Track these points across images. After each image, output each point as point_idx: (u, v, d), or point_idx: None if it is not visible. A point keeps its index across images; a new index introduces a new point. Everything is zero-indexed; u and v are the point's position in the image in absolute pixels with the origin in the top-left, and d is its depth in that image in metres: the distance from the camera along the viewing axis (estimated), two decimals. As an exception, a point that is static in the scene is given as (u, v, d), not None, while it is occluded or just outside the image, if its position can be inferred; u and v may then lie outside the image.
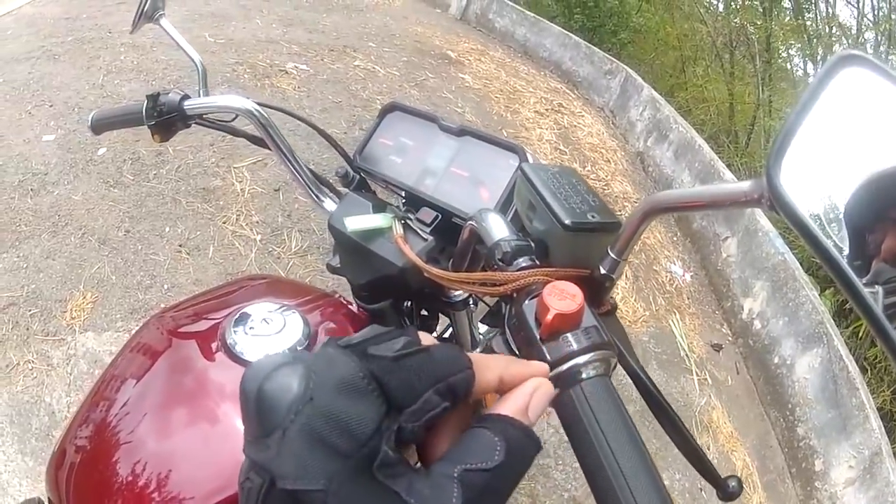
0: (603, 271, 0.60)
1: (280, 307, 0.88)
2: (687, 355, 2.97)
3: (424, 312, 1.06)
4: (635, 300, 3.23)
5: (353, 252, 0.91)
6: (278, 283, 1.13)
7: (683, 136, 4.54)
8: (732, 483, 0.63)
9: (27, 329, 2.53)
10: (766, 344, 2.95)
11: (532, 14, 7.97)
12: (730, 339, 3.22)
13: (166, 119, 1.10)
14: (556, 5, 10.46)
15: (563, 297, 0.53)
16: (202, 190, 3.39)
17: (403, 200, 0.98)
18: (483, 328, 1.05)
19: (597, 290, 0.61)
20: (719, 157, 4.33)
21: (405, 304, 1.00)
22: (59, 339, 2.50)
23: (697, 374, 2.86)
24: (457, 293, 0.93)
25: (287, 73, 4.49)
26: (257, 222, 3.26)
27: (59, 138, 3.85)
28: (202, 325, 0.91)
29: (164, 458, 0.76)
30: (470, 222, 0.71)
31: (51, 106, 4.33)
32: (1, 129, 4.07)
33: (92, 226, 3.07)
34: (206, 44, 4.94)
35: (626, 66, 6.23)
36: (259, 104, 1.03)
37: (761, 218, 3.38)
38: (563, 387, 0.52)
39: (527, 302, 0.56)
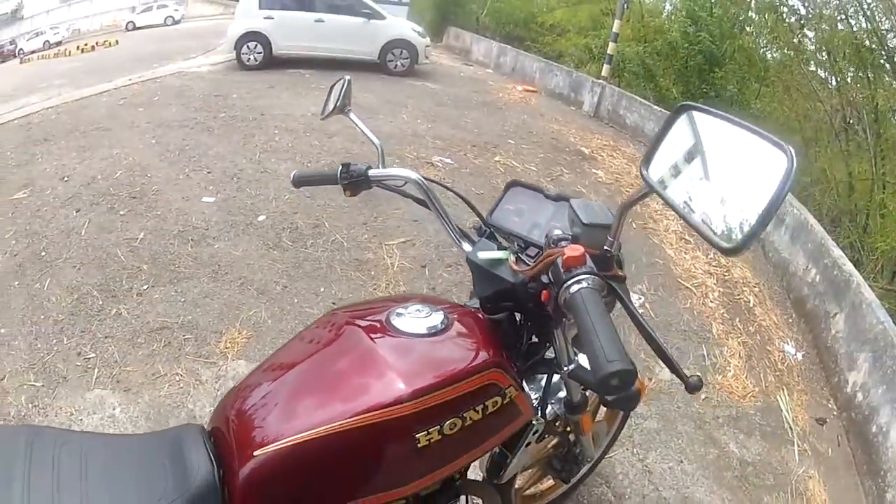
0: (605, 248, 1.10)
1: (428, 306, 1.24)
2: (790, 427, 2.97)
3: (535, 339, 1.36)
4: (746, 377, 3.28)
5: (481, 275, 1.28)
6: (429, 297, 1.46)
7: (798, 218, 4.55)
8: (695, 379, 1.03)
9: (179, 349, 2.93)
10: (867, 415, 2.89)
11: (658, 108, 8.25)
12: (834, 413, 3.16)
13: (355, 181, 1.49)
14: (681, 98, 10.73)
15: (573, 251, 1.02)
16: (355, 260, 3.79)
17: (519, 245, 1.35)
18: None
19: (605, 260, 1.09)
20: (841, 237, 4.32)
21: (517, 316, 1.33)
22: (210, 361, 2.87)
23: (798, 446, 2.88)
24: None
25: (433, 165, 4.97)
26: (405, 291, 3.58)
27: (219, 201, 4.47)
28: (370, 314, 1.26)
29: (326, 380, 1.15)
30: None
31: (209, 172, 5.03)
32: (159, 185, 4.82)
33: (251, 277, 3.54)
34: (357, 135, 5.60)
35: (745, 154, 6.24)
36: (423, 176, 1.42)
37: (866, 290, 3.39)
38: (570, 292, 0.98)
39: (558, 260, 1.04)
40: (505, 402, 1.22)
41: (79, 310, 3.30)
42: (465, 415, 1.14)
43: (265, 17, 9.67)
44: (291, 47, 9.83)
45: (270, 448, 1.06)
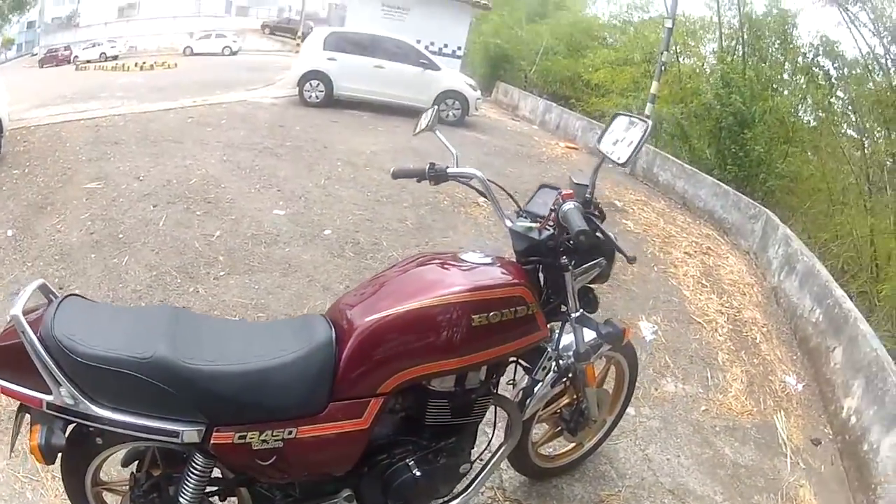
0: (586, 196, 1.86)
1: (483, 253, 1.83)
2: (784, 443, 3.25)
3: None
4: (746, 399, 3.60)
5: (517, 238, 1.87)
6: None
7: (807, 264, 4.92)
8: (633, 255, 1.83)
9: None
10: (859, 434, 3.14)
11: (690, 167, 8.67)
12: (830, 436, 3.43)
13: (437, 175, 2.02)
14: (713, 158, 11.18)
15: (567, 192, 1.78)
16: None
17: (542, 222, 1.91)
18: None
19: (587, 202, 1.85)
20: (854, 286, 4.55)
21: (540, 277, 1.88)
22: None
23: (791, 459, 3.14)
24: (563, 260, 1.80)
25: (479, 205, 5.50)
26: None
27: (289, 215, 5.07)
28: (442, 254, 1.88)
29: (406, 284, 1.75)
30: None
31: (278, 190, 5.65)
32: (232, 195, 5.46)
33: (317, 277, 4.10)
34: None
35: (766, 210, 6.65)
36: (486, 177, 1.98)
37: (862, 324, 3.68)
38: (564, 209, 1.70)
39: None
40: (529, 313, 1.75)
41: (157, 284, 3.87)
42: (503, 311, 1.68)
43: (328, 59, 10.29)
44: (352, 89, 10.39)
45: (370, 319, 1.62)
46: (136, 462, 1.91)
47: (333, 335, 1.65)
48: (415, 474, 1.77)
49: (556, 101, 14.87)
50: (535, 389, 2.04)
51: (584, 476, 2.53)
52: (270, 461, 1.64)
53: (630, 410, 2.79)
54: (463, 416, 1.81)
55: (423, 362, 1.64)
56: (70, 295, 1.76)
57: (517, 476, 2.49)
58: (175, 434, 1.58)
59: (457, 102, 10.70)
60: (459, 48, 17.33)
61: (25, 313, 1.53)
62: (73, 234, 4.80)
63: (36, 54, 22.78)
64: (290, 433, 1.61)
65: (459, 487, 2.02)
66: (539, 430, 2.38)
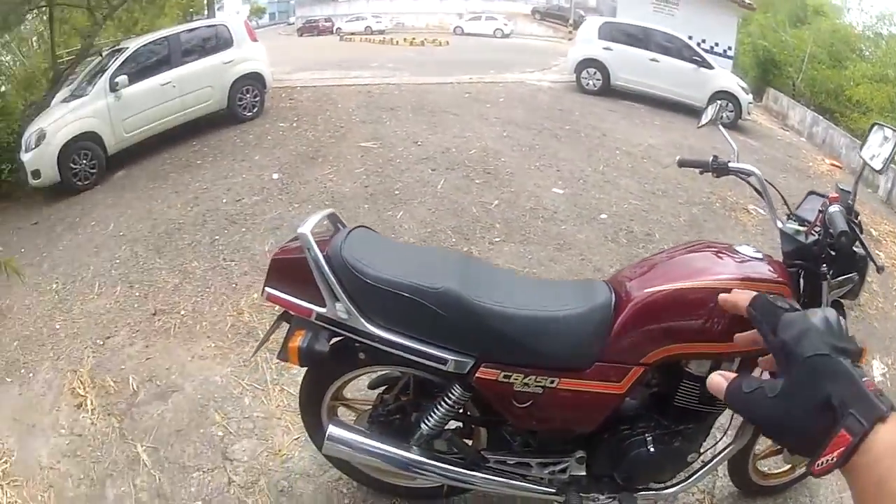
0: (849, 202, 1.80)
1: (754, 250, 1.79)
2: None
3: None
4: None
5: (785, 239, 1.87)
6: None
7: None
8: (882, 265, 1.85)
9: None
10: None
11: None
12: None
13: (719, 167, 2.05)
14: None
15: (833, 196, 1.74)
16: None
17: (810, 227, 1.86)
18: None
19: (849, 207, 1.79)
20: None
21: (799, 272, 1.83)
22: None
23: None
24: (823, 268, 1.76)
25: (748, 212, 5.39)
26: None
27: (567, 195, 5.34)
28: (719, 244, 1.87)
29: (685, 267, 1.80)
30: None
31: (557, 171, 5.93)
32: (512, 170, 5.81)
33: (590, 257, 4.34)
34: (682, 174, 6.13)
35: None
36: (763, 177, 1.97)
37: None
38: (829, 212, 1.66)
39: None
40: None
41: (431, 239, 4.24)
42: None
43: (604, 48, 10.44)
44: (628, 80, 10.43)
45: (648, 291, 1.71)
46: (384, 387, 2.12)
47: (613, 300, 1.75)
48: (649, 450, 1.83)
49: (823, 115, 13.70)
50: None
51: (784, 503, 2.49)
52: (525, 405, 1.76)
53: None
54: (707, 404, 1.83)
55: (688, 341, 1.68)
56: (360, 226, 1.95)
57: (728, 486, 2.52)
58: (443, 361, 1.72)
59: (730, 104, 10.28)
60: (730, 48, 16.34)
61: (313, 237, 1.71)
62: (346, 185, 5.48)
63: (292, 23, 24.23)
64: (551, 382, 1.72)
65: (679, 477, 2.05)
66: (761, 445, 2.36)
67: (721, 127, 2.23)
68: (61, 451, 2.79)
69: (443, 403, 1.87)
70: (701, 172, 2.12)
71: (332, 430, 1.95)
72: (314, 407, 2.12)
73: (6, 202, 7.18)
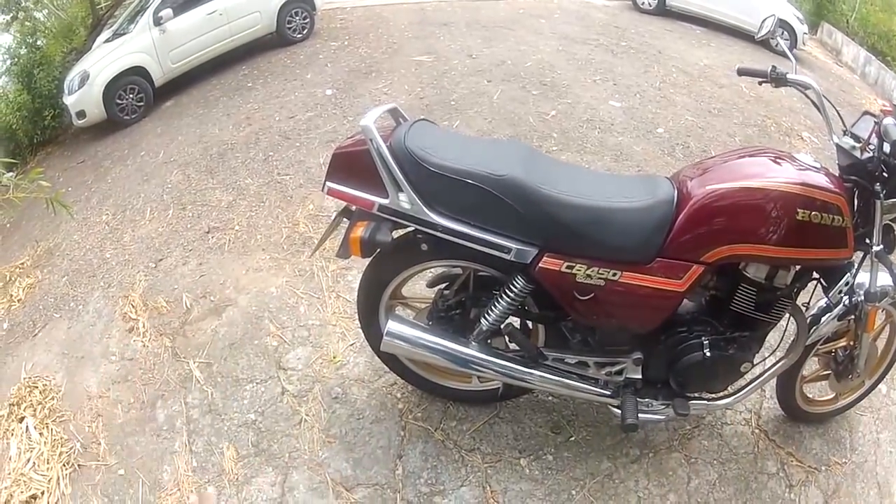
0: None
1: (814, 159, 1.80)
2: None
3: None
4: None
5: (841, 153, 1.84)
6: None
7: None
8: None
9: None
10: None
11: None
12: None
13: (778, 78, 1.94)
14: None
15: (887, 109, 1.75)
16: None
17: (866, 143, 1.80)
18: None
19: None
20: None
21: (853, 189, 1.80)
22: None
23: None
24: (877, 186, 1.73)
25: (802, 139, 5.39)
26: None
27: (624, 108, 5.35)
28: (781, 150, 1.88)
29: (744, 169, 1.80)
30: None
31: (614, 84, 5.92)
32: (568, 82, 5.81)
33: (646, 169, 4.35)
34: (740, 92, 6.24)
35: None
36: (822, 90, 1.87)
37: None
38: (885, 125, 1.64)
39: None
40: (843, 225, 1.70)
41: None
42: (823, 214, 1.66)
43: None
44: (684, 1, 10.10)
45: (710, 188, 1.71)
46: (443, 285, 2.11)
47: (675, 195, 1.75)
48: (705, 354, 1.84)
49: (876, 56, 13.25)
50: (823, 318, 2.02)
51: (825, 434, 2.50)
52: (586, 298, 1.77)
53: (881, 387, 2.61)
54: (763, 312, 1.84)
55: (748, 241, 1.69)
56: (422, 119, 1.94)
57: (773, 409, 2.53)
58: (506, 250, 1.72)
59: (785, 33, 10.00)
60: (786, -23, 15.72)
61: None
62: (401, 97, 5.48)
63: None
64: (613, 275, 1.72)
65: (730, 389, 2.09)
66: (809, 368, 2.35)
67: (779, 39, 2.22)
68: (111, 378, 2.83)
69: (504, 297, 1.88)
70: (760, 83, 2.06)
71: (392, 325, 1.96)
72: (372, 307, 2.12)
73: (51, 147, 7.34)
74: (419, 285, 2.35)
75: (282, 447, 2.34)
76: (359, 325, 2.27)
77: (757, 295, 1.82)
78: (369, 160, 1.71)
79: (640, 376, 1.99)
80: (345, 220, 1.95)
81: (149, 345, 2.97)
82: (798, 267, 1.86)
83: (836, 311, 2.02)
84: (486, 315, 1.93)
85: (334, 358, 2.68)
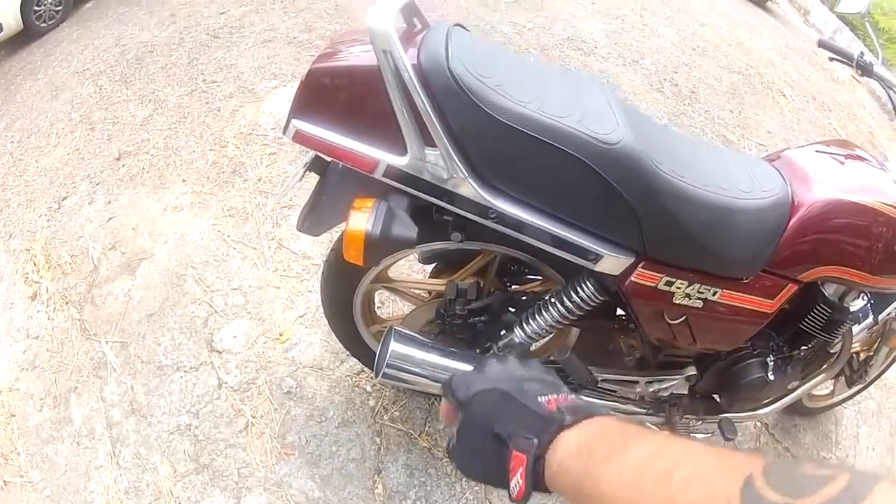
0: None
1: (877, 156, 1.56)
2: None
3: None
4: None
5: None
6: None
7: None
8: None
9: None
10: None
11: None
12: None
13: (865, 68, 1.86)
14: None
15: None
16: (722, 137, 4.05)
17: None
18: None
19: None
20: None
21: None
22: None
23: None
24: None
25: (784, 95, 5.01)
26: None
27: (607, 31, 4.82)
28: (867, 153, 1.59)
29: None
30: None
31: (592, 3, 5.30)
32: None
33: (637, 103, 3.97)
34: (722, 35, 5.90)
35: None
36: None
37: None
38: None
39: None
40: None
41: None
42: None
43: None
44: None
45: (830, 197, 1.31)
46: (438, 266, 1.63)
47: (790, 195, 1.32)
48: (767, 377, 1.56)
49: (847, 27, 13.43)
50: (857, 331, 1.77)
51: (816, 427, 2.50)
52: (676, 322, 1.36)
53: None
54: (827, 332, 1.56)
55: (844, 264, 1.36)
56: (457, 24, 1.18)
57: None
58: (594, 257, 1.18)
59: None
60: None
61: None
62: None
63: None
64: (713, 294, 1.31)
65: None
66: None
67: (868, 24, 2.04)
68: (19, 363, 2.28)
69: (556, 307, 1.37)
70: (844, 65, 1.82)
71: (395, 346, 1.32)
72: (346, 290, 1.53)
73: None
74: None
75: (227, 461, 1.88)
76: (310, 290, 1.85)
77: (830, 314, 1.51)
78: (377, 88, 1.01)
79: (685, 392, 1.69)
80: (312, 174, 1.31)
81: (54, 317, 2.42)
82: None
83: (864, 324, 1.82)
84: (525, 324, 1.43)
85: (281, 335, 2.19)
